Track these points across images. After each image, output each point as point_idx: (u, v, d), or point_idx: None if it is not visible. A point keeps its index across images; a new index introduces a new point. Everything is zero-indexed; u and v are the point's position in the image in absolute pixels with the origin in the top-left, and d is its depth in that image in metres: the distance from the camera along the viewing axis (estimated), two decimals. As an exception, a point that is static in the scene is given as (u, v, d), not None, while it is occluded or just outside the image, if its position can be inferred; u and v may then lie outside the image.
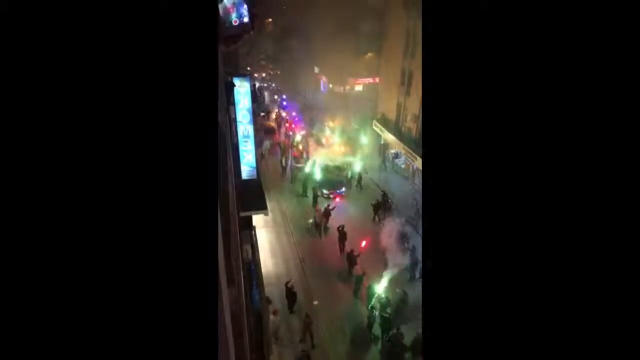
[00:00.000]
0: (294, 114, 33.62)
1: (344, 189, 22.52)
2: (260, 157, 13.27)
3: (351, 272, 15.45)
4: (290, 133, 29.82)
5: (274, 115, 35.26)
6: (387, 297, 13.54)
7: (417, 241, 16.70)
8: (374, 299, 13.61)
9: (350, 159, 25.32)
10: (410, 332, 12.57)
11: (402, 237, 16.74)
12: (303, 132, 29.15)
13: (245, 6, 6.73)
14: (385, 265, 14.52)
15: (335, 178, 23.18)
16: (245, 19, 6.89)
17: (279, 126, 32.64)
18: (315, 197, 20.80)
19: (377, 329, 13.12)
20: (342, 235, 17.07)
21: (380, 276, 14.19)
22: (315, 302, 14.55)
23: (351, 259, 15.61)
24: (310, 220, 19.22)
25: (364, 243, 16.29)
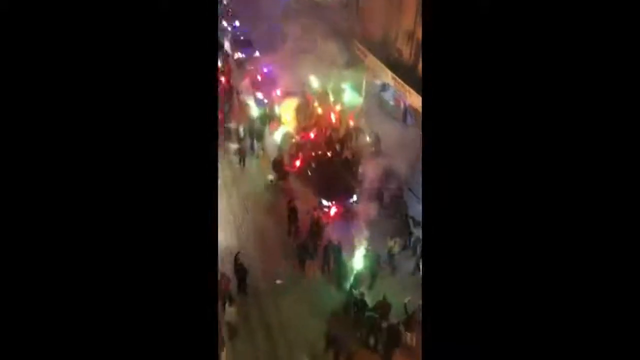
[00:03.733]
0: (257, 54, 21.47)
1: (355, 197, 13.71)
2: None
3: (317, 245, 12.43)
4: (260, 97, 18.48)
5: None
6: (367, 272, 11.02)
7: (416, 210, 13.14)
8: (352, 278, 11.12)
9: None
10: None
11: (394, 204, 13.53)
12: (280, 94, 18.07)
13: None
14: (363, 238, 11.77)
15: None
16: None
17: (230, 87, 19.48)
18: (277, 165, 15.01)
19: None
20: (293, 212, 13.00)
21: (355, 249, 11.65)
22: (279, 281, 11.75)
23: (317, 229, 12.53)
24: (270, 177, 15.59)
25: (333, 210, 13.39)
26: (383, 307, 10.19)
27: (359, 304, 10.51)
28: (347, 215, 13.31)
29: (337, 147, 16.34)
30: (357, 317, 10.51)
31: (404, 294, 10.27)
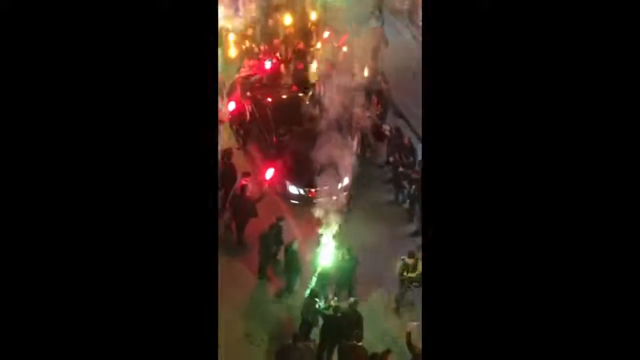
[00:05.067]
0: None
1: (347, 180, 8.80)
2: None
3: (242, 231, 8.49)
4: None
5: None
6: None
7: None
8: (313, 280, 7.59)
9: None
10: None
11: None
12: None
13: None
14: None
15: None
16: None
17: None
18: None
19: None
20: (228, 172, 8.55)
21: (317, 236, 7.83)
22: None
23: (242, 205, 8.38)
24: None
25: (270, 172, 8.79)
26: (348, 321, 6.74)
27: (328, 324, 6.91)
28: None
29: (317, 86, 10.06)
30: (325, 343, 6.89)
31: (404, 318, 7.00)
